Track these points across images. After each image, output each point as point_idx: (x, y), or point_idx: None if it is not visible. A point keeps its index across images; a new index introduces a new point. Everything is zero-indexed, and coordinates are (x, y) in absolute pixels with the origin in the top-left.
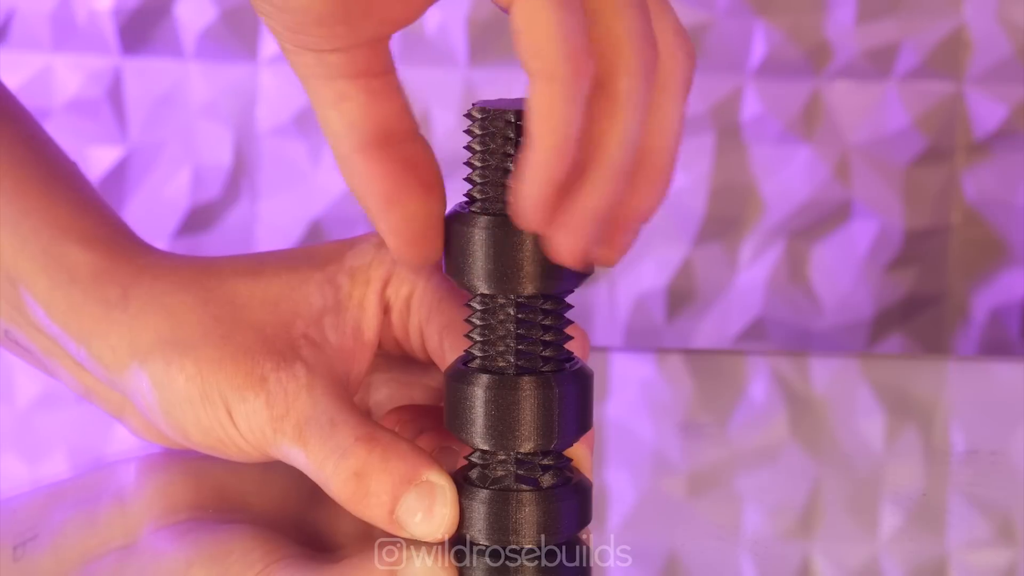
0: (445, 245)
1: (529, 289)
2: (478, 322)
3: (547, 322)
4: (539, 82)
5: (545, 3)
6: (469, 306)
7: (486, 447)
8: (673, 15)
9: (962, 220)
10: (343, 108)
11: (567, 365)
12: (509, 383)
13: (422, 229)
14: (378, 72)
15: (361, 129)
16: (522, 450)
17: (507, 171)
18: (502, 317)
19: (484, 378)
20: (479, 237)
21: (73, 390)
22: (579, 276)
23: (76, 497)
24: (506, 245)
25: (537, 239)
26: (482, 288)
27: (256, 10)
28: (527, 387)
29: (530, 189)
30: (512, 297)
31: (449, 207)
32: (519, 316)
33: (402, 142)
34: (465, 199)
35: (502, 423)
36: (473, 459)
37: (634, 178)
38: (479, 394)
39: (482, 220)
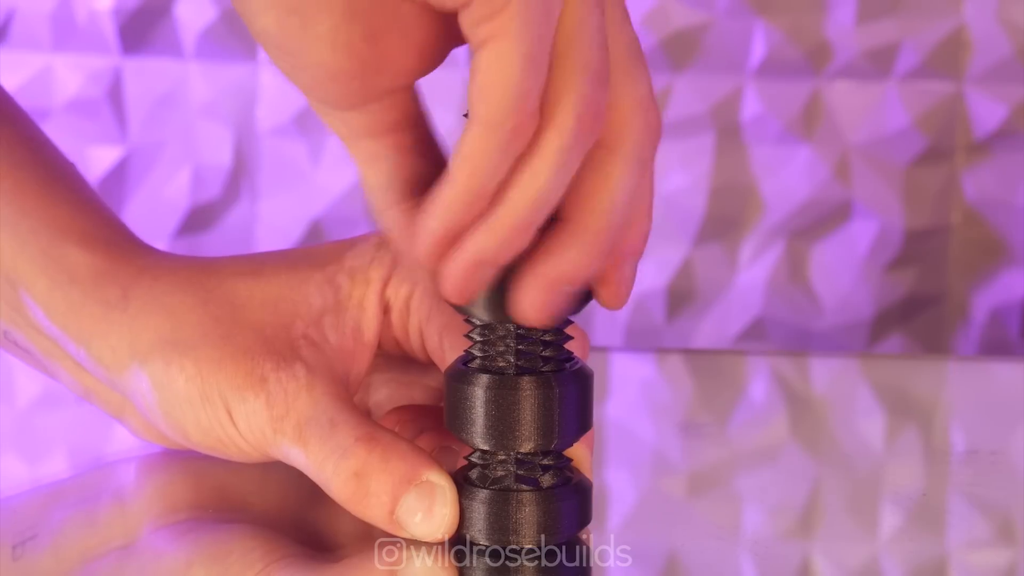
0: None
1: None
2: (478, 322)
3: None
4: (479, 127)
5: (515, 57)
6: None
7: (486, 447)
8: (645, 85)
9: (962, 220)
10: (376, 168)
11: (567, 365)
12: (509, 383)
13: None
14: (405, 126)
15: (395, 187)
16: (522, 450)
17: None
18: None
19: (484, 378)
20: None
21: (73, 391)
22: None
23: (76, 497)
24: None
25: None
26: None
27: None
28: (527, 387)
29: (433, 223)
30: None
31: None
32: None
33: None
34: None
35: (502, 423)
36: (473, 459)
37: (565, 236)
38: (479, 394)
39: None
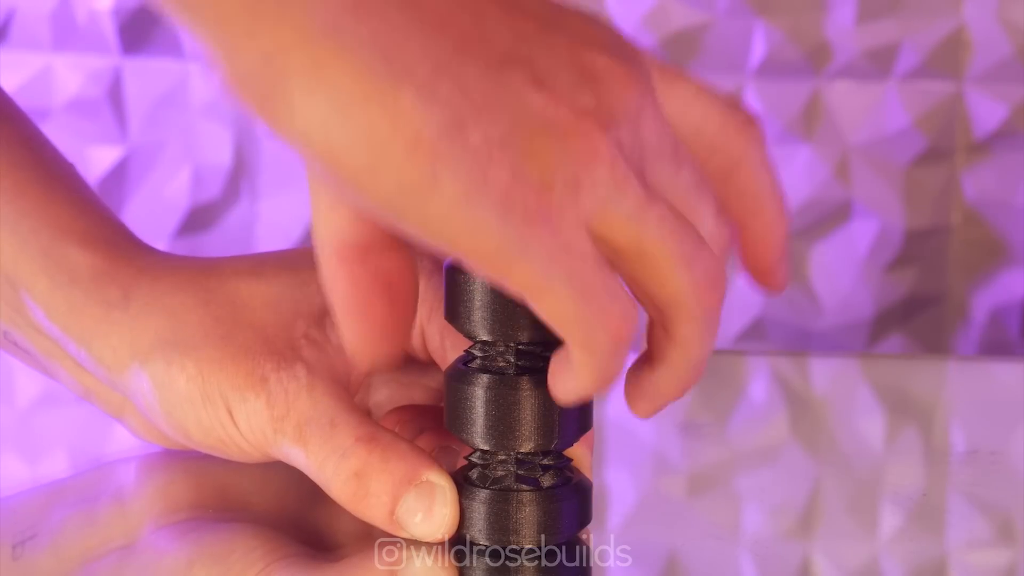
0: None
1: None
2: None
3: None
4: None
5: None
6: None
7: (486, 447)
8: (712, 204)
9: (962, 220)
10: (330, 217)
11: None
12: (509, 383)
13: (377, 341)
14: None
15: (342, 240)
16: (522, 450)
17: None
18: None
19: (484, 378)
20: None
21: (73, 391)
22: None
23: (76, 496)
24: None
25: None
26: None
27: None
28: (527, 387)
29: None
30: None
31: None
32: None
33: (382, 252)
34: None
35: (502, 423)
36: (473, 459)
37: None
38: (479, 394)
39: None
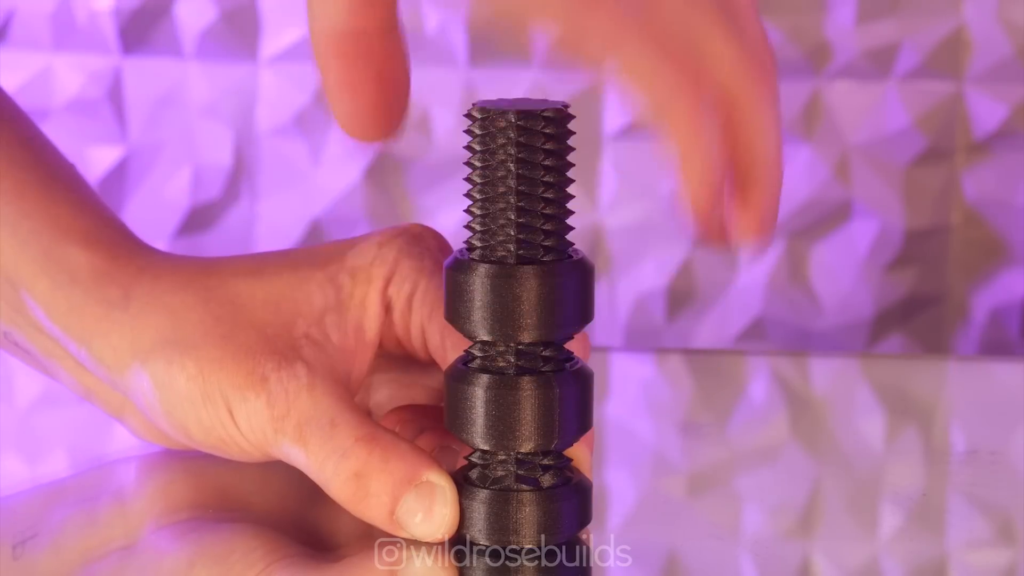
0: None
1: (530, 337)
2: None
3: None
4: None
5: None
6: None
7: (486, 447)
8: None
9: (962, 220)
10: (326, 4)
11: (567, 365)
12: (509, 383)
13: (366, 118)
14: None
15: (335, 27)
16: (522, 450)
17: (508, 171)
18: None
19: (484, 378)
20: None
21: (73, 391)
22: (581, 322)
23: (76, 496)
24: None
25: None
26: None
27: None
28: (527, 387)
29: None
30: None
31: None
32: None
33: (374, 38)
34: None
35: (502, 423)
36: (473, 459)
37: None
38: (479, 394)
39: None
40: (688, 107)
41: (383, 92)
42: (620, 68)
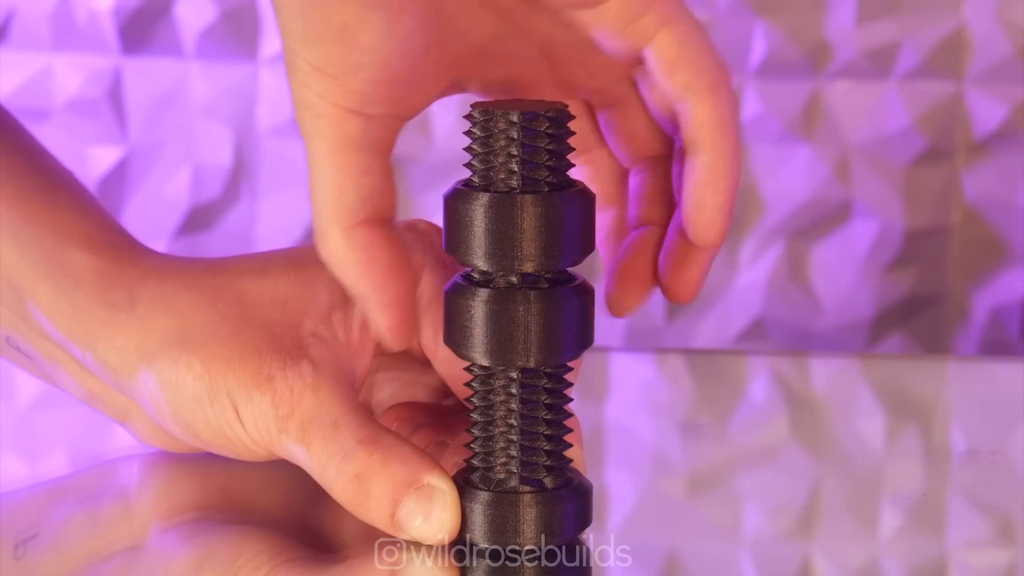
0: (445, 227)
1: (528, 267)
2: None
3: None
4: (709, 95)
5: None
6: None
7: (486, 267)
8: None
9: (962, 220)
10: (363, 182)
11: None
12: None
13: (408, 307)
14: (390, 154)
15: (370, 205)
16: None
17: (510, 171)
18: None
19: (484, 197)
20: (479, 214)
21: (76, 396)
22: (581, 252)
23: (78, 495)
24: (506, 223)
25: (537, 218)
26: (481, 266)
27: (293, 71)
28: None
29: (725, 198)
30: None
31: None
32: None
33: (387, 224)
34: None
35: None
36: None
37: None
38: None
39: (483, 197)
40: (729, 94)
41: (410, 280)
42: (670, 44)
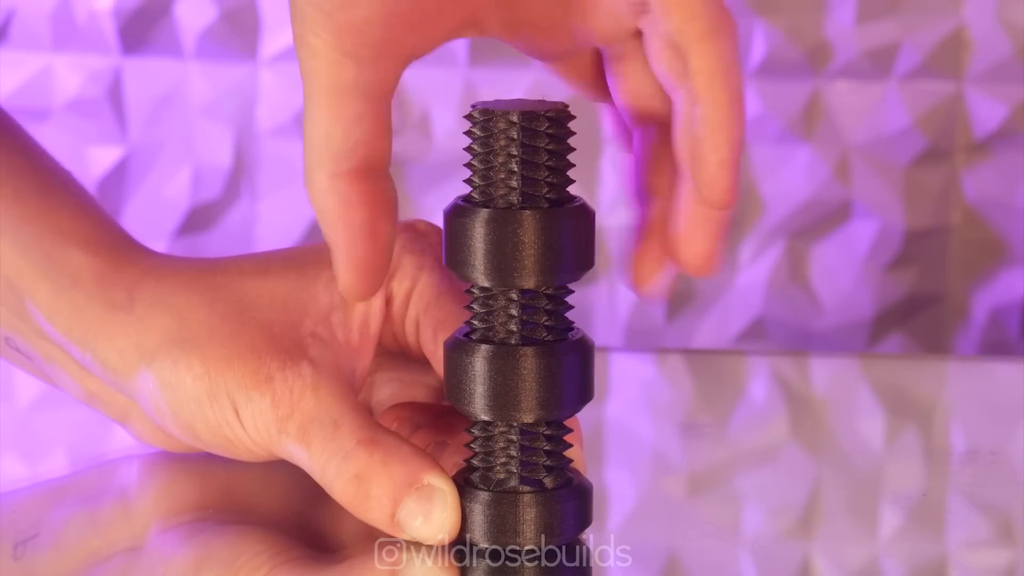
0: (446, 238)
1: (530, 283)
2: (479, 308)
3: (548, 322)
4: (706, 41)
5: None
6: (469, 292)
7: (486, 284)
8: None
9: (962, 220)
10: (352, 130)
11: (569, 335)
12: (510, 351)
13: (374, 269)
14: (390, 99)
15: (359, 153)
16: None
17: (510, 171)
18: (503, 317)
19: (484, 347)
20: (479, 231)
21: (75, 396)
22: (579, 268)
23: (78, 495)
24: (506, 239)
25: (538, 232)
26: (482, 281)
27: (293, 6)
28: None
29: (727, 153)
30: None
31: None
32: (521, 309)
33: (380, 175)
34: (464, 201)
35: (505, 394)
36: (475, 432)
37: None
38: (479, 364)
39: (483, 213)
40: (726, 41)
41: (391, 235)
42: None
